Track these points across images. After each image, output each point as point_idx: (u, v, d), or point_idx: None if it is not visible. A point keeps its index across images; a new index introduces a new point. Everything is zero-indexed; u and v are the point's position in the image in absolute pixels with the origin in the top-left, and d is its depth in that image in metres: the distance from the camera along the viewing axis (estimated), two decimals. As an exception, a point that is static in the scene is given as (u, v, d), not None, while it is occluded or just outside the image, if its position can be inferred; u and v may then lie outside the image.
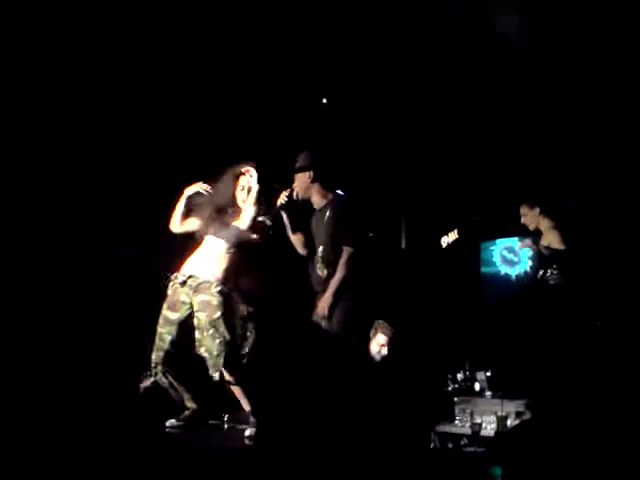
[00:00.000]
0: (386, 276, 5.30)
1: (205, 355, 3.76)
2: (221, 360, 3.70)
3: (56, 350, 4.48)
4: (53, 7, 4.43)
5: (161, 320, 3.86)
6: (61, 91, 4.86)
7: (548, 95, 5.55)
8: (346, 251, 3.77)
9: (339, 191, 4.04)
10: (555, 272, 4.72)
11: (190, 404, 3.87)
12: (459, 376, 5.54)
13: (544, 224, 5.03)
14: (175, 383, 3.85)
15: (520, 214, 5.18)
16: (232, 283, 3.95)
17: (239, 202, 3.97)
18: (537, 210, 5.08)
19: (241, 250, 3.95)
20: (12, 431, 2.71)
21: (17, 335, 4.41)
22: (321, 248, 3.90)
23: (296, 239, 4.04)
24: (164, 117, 5.16)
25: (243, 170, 3.94)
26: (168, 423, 3.77)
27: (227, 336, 3.75)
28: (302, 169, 3.98)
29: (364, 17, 4.91)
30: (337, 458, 1.48)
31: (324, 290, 3.80)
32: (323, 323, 3.75)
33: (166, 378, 3.83)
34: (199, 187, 3.98)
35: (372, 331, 4.49)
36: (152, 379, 3.87)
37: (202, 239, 3.99)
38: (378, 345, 4.45)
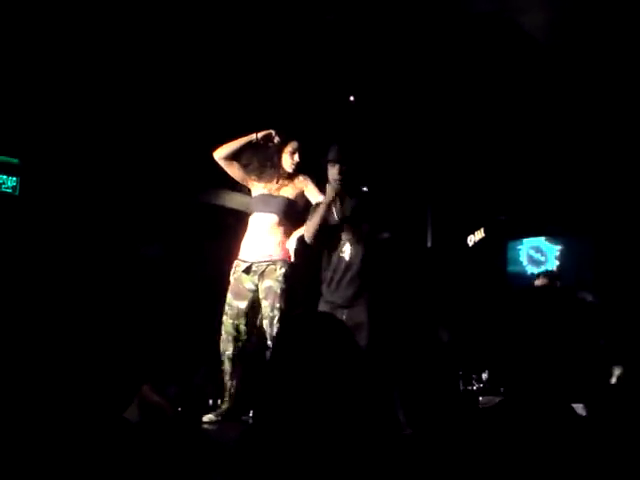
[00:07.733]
0: (412, 275, 5.32)
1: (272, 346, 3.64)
2: None
3: (82, 347, 4.49)
4: (53, 7, 4.43)
5: (230, 311, 3.73)
6: (82, 91, 4.91)
7: (575, 95, 5.53)
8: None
9: (364, 188, 3.93)
10: None
11: (227, 402, 3.75)
12: (484, 376, 5.55)
13: None
14: (234, 378, 3.73)
15: None
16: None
17: (286, 166, 3.84)
18: None
19: (292, 222, 3.81)
20: (47, 431, 2.77)
21: (41, 333, 4.45)
22: (350, 236, 3.71)
23: (315, 226, 3.75)
24: (192, 120, 5.21)
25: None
26: (206, 418, 3.69)
27: None
28: (334, 161, 3.74)
29: (391, 18, 4.93)
30: (351, 455, 1.50)
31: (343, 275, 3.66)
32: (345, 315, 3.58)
33: (234, 369, 3.71)
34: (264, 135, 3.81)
35: None
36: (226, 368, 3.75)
37: (248, 218, 3.85)
38: None
